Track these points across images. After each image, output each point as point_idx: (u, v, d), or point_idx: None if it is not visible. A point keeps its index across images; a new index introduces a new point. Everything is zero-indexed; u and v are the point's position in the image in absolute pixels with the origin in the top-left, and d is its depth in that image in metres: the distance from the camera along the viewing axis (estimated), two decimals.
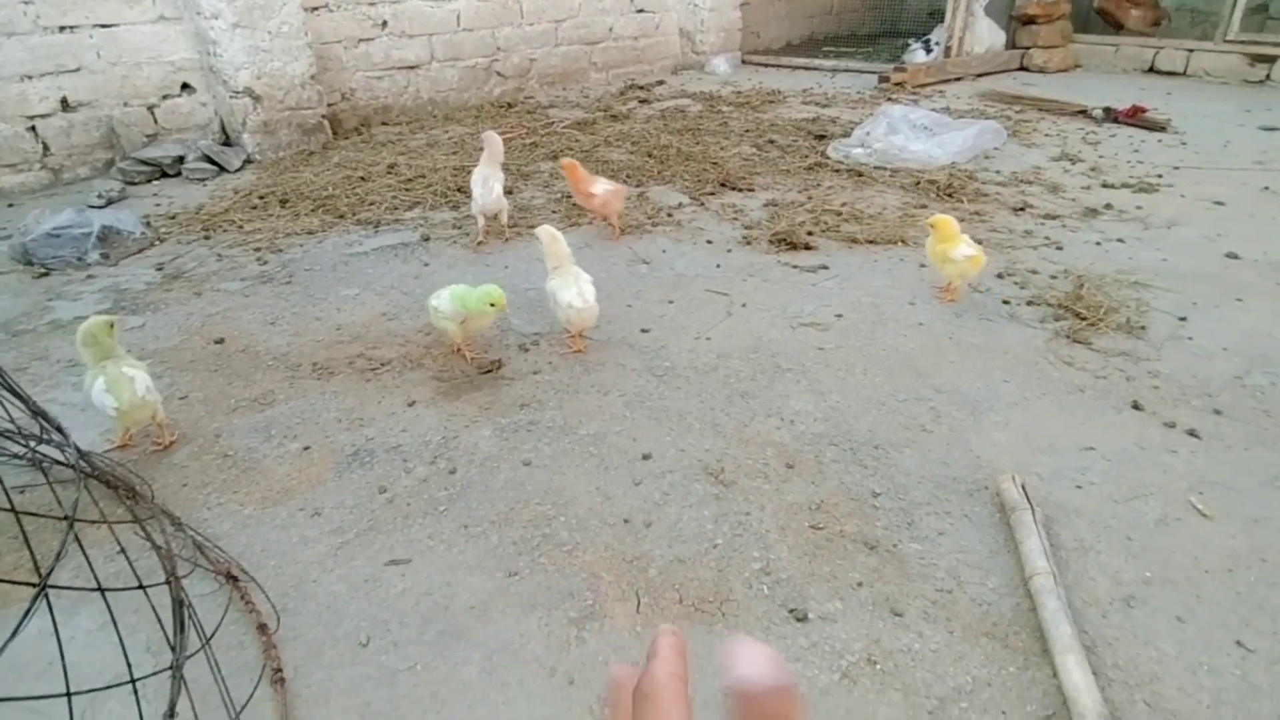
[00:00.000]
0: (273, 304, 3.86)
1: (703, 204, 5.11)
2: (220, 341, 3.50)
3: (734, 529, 2.30)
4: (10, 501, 1.37)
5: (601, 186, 4.39)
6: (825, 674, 1.85)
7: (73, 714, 1.32)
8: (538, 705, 1.79)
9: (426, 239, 4.61)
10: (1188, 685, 1.82)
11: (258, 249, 4.54)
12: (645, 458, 2.61)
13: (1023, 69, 9.56)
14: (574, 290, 3.12)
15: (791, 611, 2.01)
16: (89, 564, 1.56)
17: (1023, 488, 2.33)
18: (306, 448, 2.74)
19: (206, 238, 4.75)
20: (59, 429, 1.96)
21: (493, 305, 2.99)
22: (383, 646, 1.95)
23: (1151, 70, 9.17)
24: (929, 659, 1.89)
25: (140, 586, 1.65)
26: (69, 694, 1.28)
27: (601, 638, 1.95)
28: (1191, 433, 2.73)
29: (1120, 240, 4.43)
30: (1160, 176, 5.49)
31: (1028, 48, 9.51)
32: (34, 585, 1.27)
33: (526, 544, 2.26)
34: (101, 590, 1.48)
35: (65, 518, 1.41)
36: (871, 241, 4.43)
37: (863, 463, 2.59)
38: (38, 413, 1.93)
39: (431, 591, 2.10)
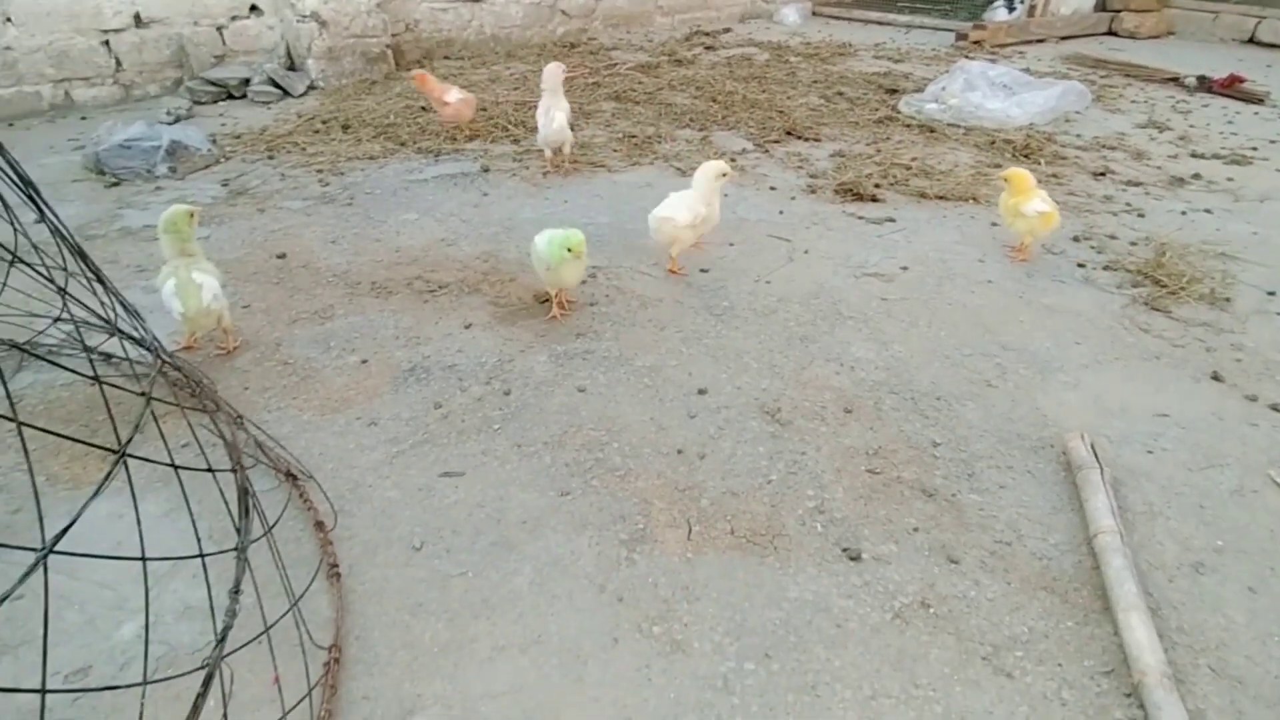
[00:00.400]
0: (334, 224, 3.88)
1: (767, 151, 4.98)
2: (282, 256, 3.54)
3: (789, 467, 2.26)
4: (94, 369, 1.40)
5: (455, 95, 4.81)
6: (877, 613, 1.82)
7: (147, 582, 1.35)
8: (587, 618, 1.80)
9: (486, 170, 4.58)
10: (1256, 654, 1.76)
11: (320, 171, 4.56)
12: (701, 392, 2.58)
13: (1111, 33, 9.06)
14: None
15: (845, 550, 1.98)
16: (165, 443, 1.59)
17: (1091, 447, 2.25)
18: (364, 361, 2.77)
19: (270, 158, 4.79)
20: (137, 315, 2.00)
21: (570, 251, 2.76)
22: (435, 552, 1.98)
23: (1252, 41, 8.61)
24: (984, 607, 1.85)
25: (210, 470, 1.68)
26: (144, 559, 1.32)
27: (651, 560, 1.94)
28: (1275, 407, 2.60)
29: (1208, 211, 4.20)
30: (1255, 150, 5.18)
31: (1118, 11, 9.00)
32: (114, 451, 1.30)
33: (579, 466, 2.26)
34: (175, 466, 1.51)
35: (142, 394, 1.44)
36: (941, 197, 4.27)
37: (923, 413, 2.52)
38: (120, 301, 1.97)
39: (484, 504, 2.12)
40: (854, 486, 2.20)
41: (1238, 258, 3.65)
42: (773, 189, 4.36)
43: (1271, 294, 3.34)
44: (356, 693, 1.63)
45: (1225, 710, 1.63)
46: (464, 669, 1.68)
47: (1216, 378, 2.75)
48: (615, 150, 4.91)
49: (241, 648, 1.53)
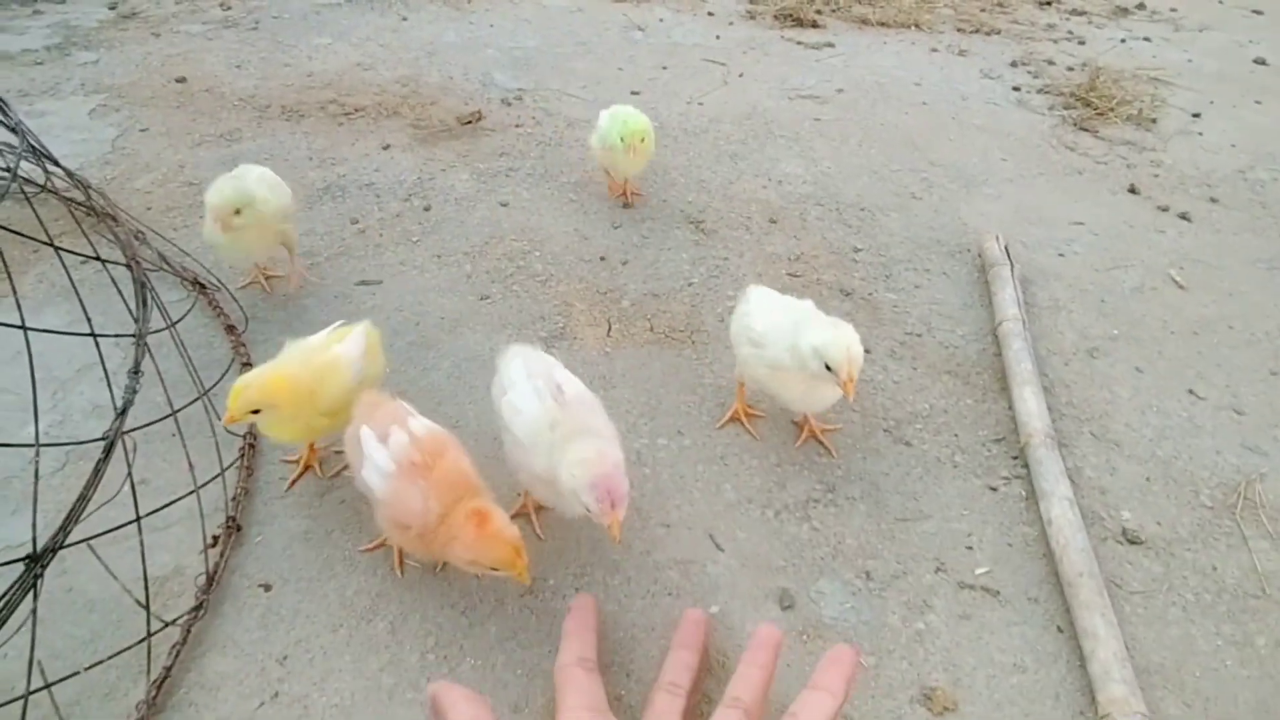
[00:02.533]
0: (238, 48, 3.59)
1: None
2: (182, 80, 3.28)
3: (710, 271, 2.27)
4: None
5: None
6: None
7: (36, 394, 1.31)
8: None
9: None
10: (1135, 422, 1.88)
11: None
12: (625, 206, 2.54)
13: None
14: None
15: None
16: (61, 260, 1.50)
17: (1005, 248, 2.30)
18: None
19: None
20: (30, 132, 1.84)
21: (622, 140, 2.26)
22: None
23: None
24: (890, 389, 1.93)
25: (99, 259, 1.61)
26: (24, 328, 1.27)
27: (570, 354, 1.96)
28: (1184, 216, 2.68)
29: (1147, 39, 4.16)
30: None
31: None
32: None
33: (500, 273, 2.23)
34: (55, 247, 1.44)
35: (23, 179, 1.34)
36: (883, 24, 4.14)
37: (847, 222, 2.53)
38: (15, 127, 1.81)
39: (403, 309, 2.09)
40: (774, 288, 2.22)
41: (1169, 83, 3.66)
42: (711, 14, 4.16)
43: (1196, 115, 3.37)
44: (275, 474, 1.64)
45: (1100, 466, 1.76)
46: None
47: (1133, 190, 2.81)
48: None
49: (148, 425, 1.51)
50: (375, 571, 1.47)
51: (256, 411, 1.44)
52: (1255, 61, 3.98)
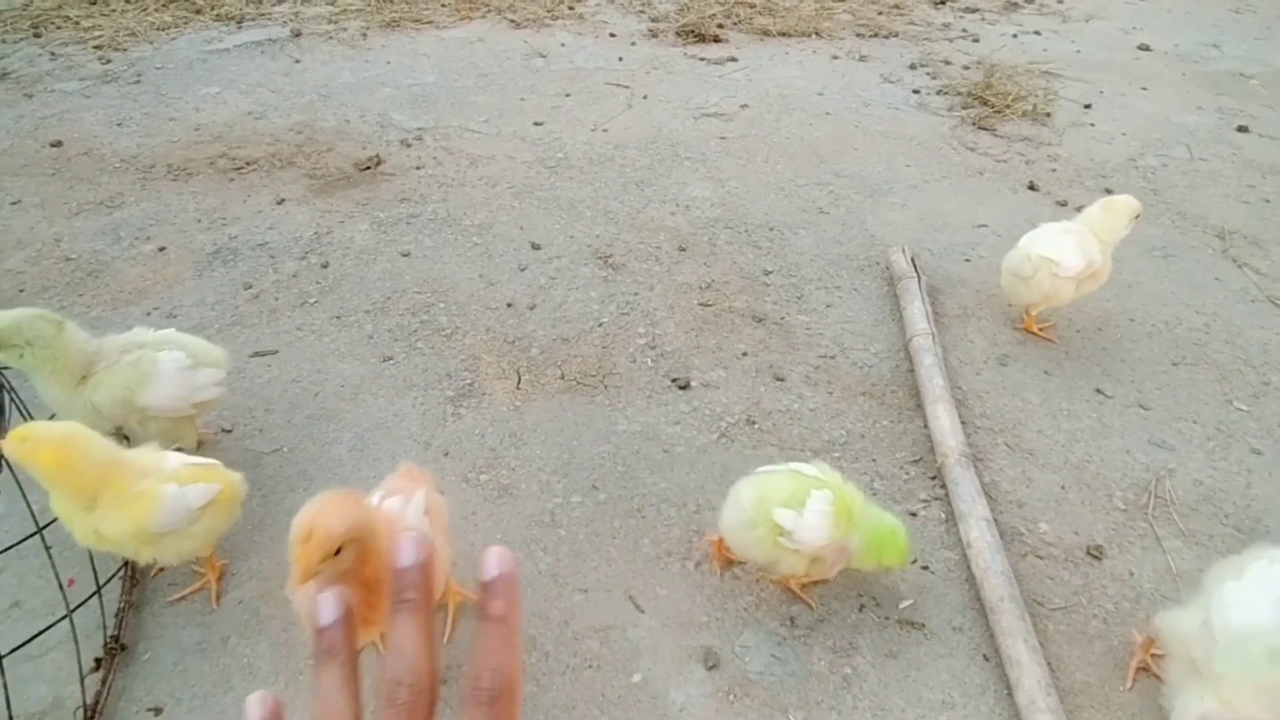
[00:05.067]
0: (119, 105, 3.42)
1: None
2: (58, 144, 3.10)
3: (621, 308, 2.23)
4: None
5: None
6: (704, 435, 1.85)
7: None
8: None
9: (298, 34, 4.11)
10: (1047, 428, 1.90)
11: (99, 48, 3.97)
12: (534, 246, 2.48)
13: None
14: None
15: (674, 381, 1.99)
16: None
17: (911, 259, 2.31)
18: (162, 249, 2.50)
19: (36, 35, 4.12)
20: None
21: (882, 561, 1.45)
22: (247, 433, 1.85)
23: None
24: (806, 417, 1.91)
25: None
26: None
27: (479, 413, 1.89)
28: (1081, 210, 2.73)
29: (1037, 33, 4.28)
30: None
31: None
32: None
33: (403, 330, 2.15)
34: None
35: None
36: (785, 34, 4.16)
37: (757, 244, 2.52)
38: None
39: (300, 379, 1.99)
40: (686, 320, 2.19)
41: (1060, 75, 3.76)
42: (613, 35, 4.13)
43: (1088, 106, 3.47)
44: (164, 579, 1.53)
45: (1016, 479, 1.77)
46: (280, 541, 1.60)
47: (1032, 187, 2.86)
48: (443, 3, 4.50)
49: (12, 547, 1.40)
50: (277, 678, 1.37)
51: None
52: (1139, 48, 4.13)
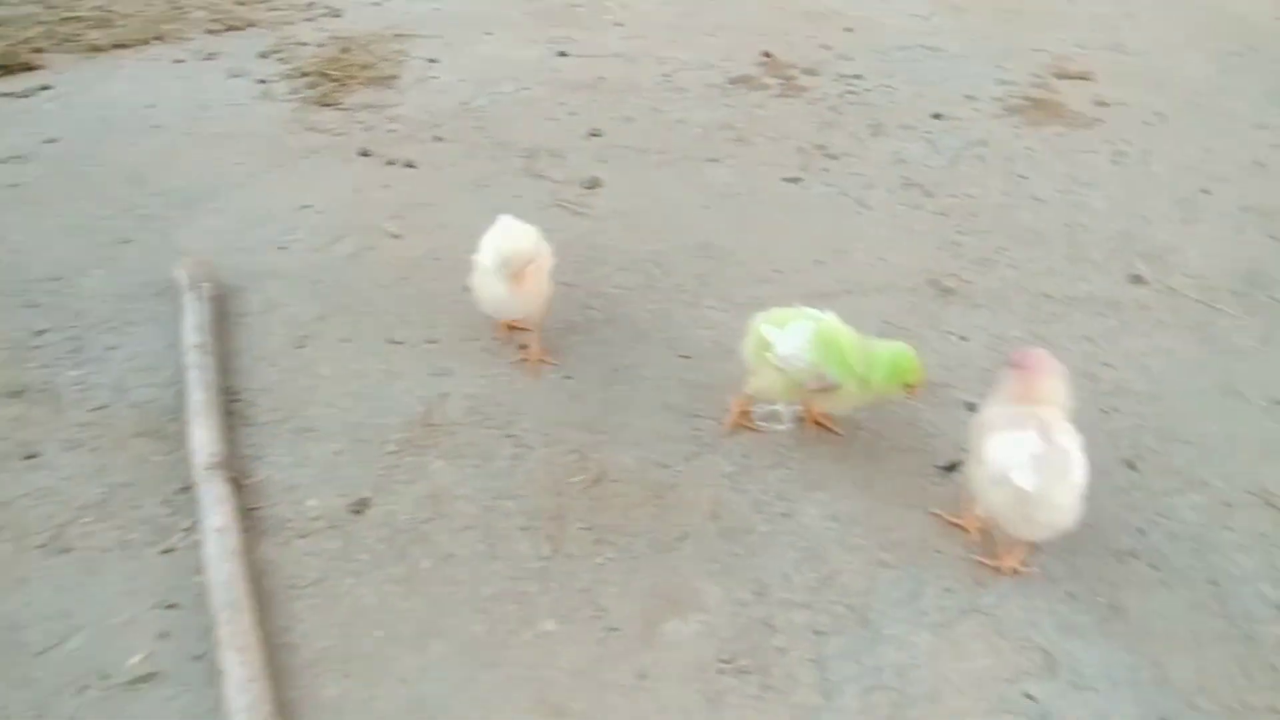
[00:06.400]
0: None
1: None
2: None
3: None
4: None
5: None
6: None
7: None
8: None
9: None
10: (334, 396, 1.90)
11: None
12: None
13: None
14: None
15: None
16: None
17: (193, 268, 2.16)
18: None
19: None
20: None
21: (908, 386, 1.72)
22: None
23: None
24: (58, 490, 1.68)
25: None
26: None
27: None
28: (409, 164, 2.83)
29: None
30: None
31: None
32: None
33: None
34: None
35: None
36: (120, 45, 3.69)
37: (34, 303, 2.17)
38: None
39: None
40: None
41: (413, 35, 3.85)
42: None
43: (433, 60, 3.60)
44: None
45: (290, 465, 1.74)
46: None
47: (365, 153, 2.88)
48: None
49: None
50: None
51: None
52: None
